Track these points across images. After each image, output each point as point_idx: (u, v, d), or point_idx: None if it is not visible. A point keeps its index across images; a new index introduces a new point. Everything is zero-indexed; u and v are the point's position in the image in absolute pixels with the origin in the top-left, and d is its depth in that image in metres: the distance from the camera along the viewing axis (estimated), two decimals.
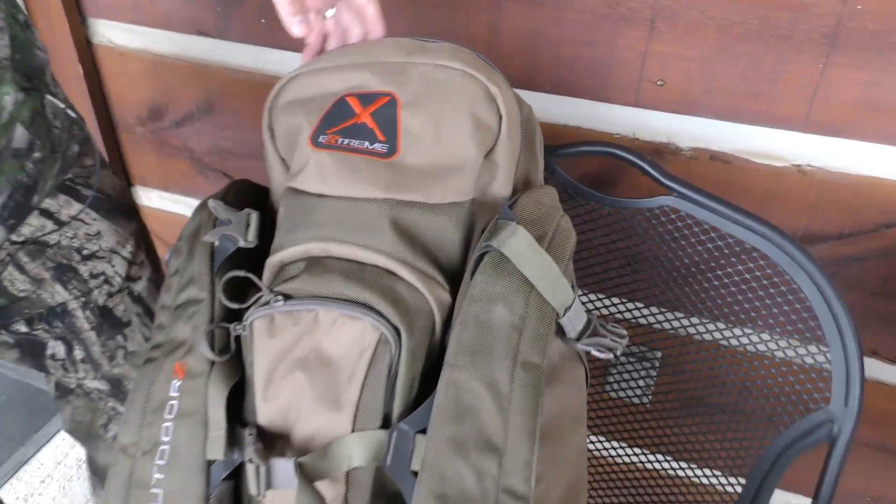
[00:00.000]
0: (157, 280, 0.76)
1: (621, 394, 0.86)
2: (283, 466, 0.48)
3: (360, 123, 0.52)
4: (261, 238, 0.56)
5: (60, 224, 0.64)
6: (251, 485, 0.49)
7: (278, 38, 0.93)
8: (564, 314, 0.49)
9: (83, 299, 0.68)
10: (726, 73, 0.73)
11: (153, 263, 0.76)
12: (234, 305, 0.53)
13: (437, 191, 0.51)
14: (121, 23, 1.03)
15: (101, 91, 1.12)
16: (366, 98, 0.53)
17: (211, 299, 0.55)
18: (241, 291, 0.54)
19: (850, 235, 0.77)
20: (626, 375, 0.85)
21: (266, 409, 0.50)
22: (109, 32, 1.05)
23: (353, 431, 0.49)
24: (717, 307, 0.73)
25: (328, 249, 0.51)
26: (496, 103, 0.53)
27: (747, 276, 0.68)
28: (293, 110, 0.56)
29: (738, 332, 0.73)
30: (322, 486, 0.49)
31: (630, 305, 0.81)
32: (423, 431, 0.47)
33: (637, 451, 0.84)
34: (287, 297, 0.50)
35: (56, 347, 0.71)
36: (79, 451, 1.39)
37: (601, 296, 0.82)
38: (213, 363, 0.52)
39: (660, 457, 0.82)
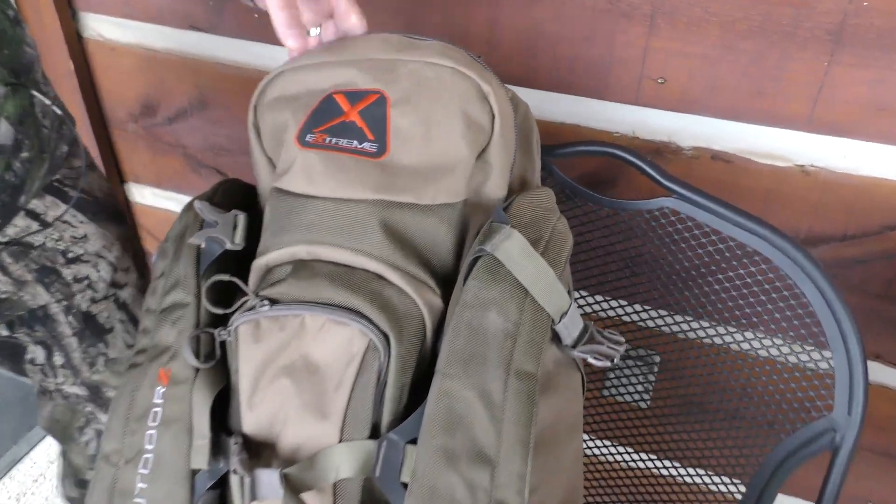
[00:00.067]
0: (144, 286, 0.75)
1: (619, 398, 0.85)
2: (268, 478, 0.47)
3: (348, 122, 0.51)
4: (249, 239, 0.55)
5: (46, 225, 0.63)
6: (235, 497, 0.48)
7: (271, 32, 0.91)
8: (560, 320, 0.47)
9: (65, 303, 0.67)
10: (728, 71, 0.72)
11: (140, 269, 0.75)
12: (219, 310, 0.51)
13: (428, 192, 0.50)
14: (112, 17, 1.02)
15: (92, 86, 1.10)
16: (354, 96, 0.51)
17: (196, 303, 0.53)
18: (228, 295, 0.53)
19: (854, 237, 0.75)
20: (623, 380, 0.84)
21: (251, 418, 0.49)
22: (100, 27, 1.04)
23: (340, 441, 0.47)
24: (717, 311, 0.72)
25: (315, 252, 0.49)
26: (488, 102, 0.52)
27: (749, 279, 0.67)
28: (279, 108, 0.54)
29: (738, 336, 0.72)
30: (309, 497, 0.47)
31: (629, 309, 0.79)
32: (414, 442, 0.46)
33: (636, 454, 0.83)
34: (273, 301, 0.48)
35: (36, 352, 0.69)
36: None
37: (599, 298, 0.81)
38: (197, 370, 0.51)
39: (657, 459, 0.81)
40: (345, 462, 0.47)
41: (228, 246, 0.54)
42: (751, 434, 0.70)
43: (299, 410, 0.47)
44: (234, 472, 0.47)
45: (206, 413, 0.50)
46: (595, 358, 0.49)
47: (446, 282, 0.51)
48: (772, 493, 0.63)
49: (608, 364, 0.49)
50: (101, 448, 0.53)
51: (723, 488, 0.74)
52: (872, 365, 0.81)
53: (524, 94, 0.82)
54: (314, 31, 0.58)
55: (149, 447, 0.51)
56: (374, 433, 0.48)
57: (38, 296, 0.65)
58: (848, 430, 0.58)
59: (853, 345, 0.56)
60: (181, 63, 1.01)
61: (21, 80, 0.57)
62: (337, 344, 0.47)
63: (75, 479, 0.83)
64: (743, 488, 0.66)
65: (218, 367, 0.52)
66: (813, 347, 0.65)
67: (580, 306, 0.83)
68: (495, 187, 0.53)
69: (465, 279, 0.47)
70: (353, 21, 0.56)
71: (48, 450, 1.37)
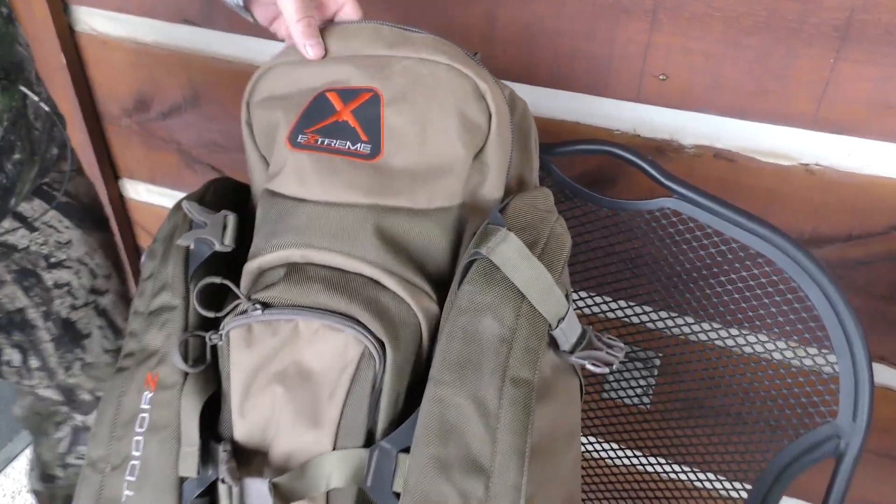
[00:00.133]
0: (125, 293, 0.74)
1: (618, 399, 0.83)
2: (258, 487, 0.46)
3: (340, 122, 0.49)
4: (240, 240, 0.54)
5: (32, 229, 0.62)
6: None
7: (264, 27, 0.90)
8: (557, 326, 0.46)
9: (44, 309, 0.66)
10: (732, 68, 0.70)
11: (121, 276, 0.74)
12: (210, 314, 0.50)
13: (423, 195, 0.48)
14: (104, 10, 1.00)
15: (85, 81, 1.09)
16: (346, 94, 0.50)
17: (185, 306, 0.52)
18: (218, 298, 0.52)
19: (859, 238, 0.74)
20: (623, 383, 0.83)
21: (243, 425, 0.48)
22: (92, 20, 1.02)
23: (333, 450, 0.46)
24: (719, 314, 0.71)
25: (309, 256, 0.48)
26: (485, 100, 0.50)
27: (751, 282, 0.66)
28: (271, 106, 0.53)
29: (741, 340, 0.71)
30: None
31: (629, 311, 0.78)
32: (407, 450, 0.45)
33: (637, 457, 0.82)
34: (265, 305, 0.47)
35: (12, 355, 0.69)
36: None
37: (598, 300, 0.79)
38: (186, 374, 0.50)
39: (658, 464, 0.80)
40: (336, 470, 0.46)
41: (218, 247, 0.52)
42: (753, 439, 0.69)
43: (292, 418, 0.46)
44: (223, 481, 0.46)
45: (195, 419, 0.49)
46: (593, 364, 0.48)
47: (442, 285, 0.50)
48: (775, 498, 0.62)
49: (606, 371, 0.48)
50: (88, 454, 0.52)
51: (724, 493, 0.73)
52: (876, 367, 0.80)
53: (522, 90, 0.80)
54: None
55: (136, 454, 0.50)
56: (369, 442, 0.46)
57: (16, 299, 0.65)
58: (853, 437, 0.56)
59: (859, 350, 0.55)
60: (174, 57, 0.99)
61: (11, 79, 0.56)
62: (331, 350, 0.46)
63: (41, 474, 0.82)
64: (745, 494, 0.65)
65: (208, 371, 0.51)
66: (817, 352, 0.64)
67: (579, 308, 0.82)
68: (492, 188, 0.52)
69: (460, 283, 0.46)
70: (348, 10, 0.55)
71: None
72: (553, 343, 0.47)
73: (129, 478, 0.50)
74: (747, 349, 0.70)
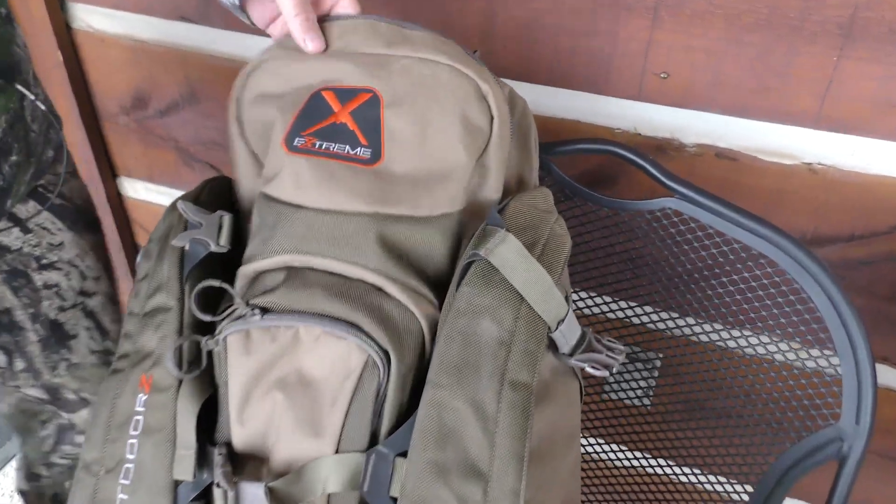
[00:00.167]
0: (113, 295, 0.74)
1: (619, 400, 0.83)
2: (253, 491, 0.45)
3: (339, 124, 0.48)
4: (235, 241, 0.53)
5: (27, 230, 0.62)
6: None
7: None
8: (557, 328, 0.45)
9: (32, 310, 0.65)
10: (734, 66, 0.70)
11: (110, 278, 0.74)
12: (207, 318, 0.49)
13: (425, 202, 0.47)
14: (101, 7, 1.00)
15: (82, 78, 1.08)
16: (344, 94, 0.49)
17: (180, 307, 0.51)
18: (213, 299, 0.51)
19: (862, 237, 0.74)
20: (623, 384, 0.82)
21: (242, 433, 0.47)
22: (90, 17, 1.02)
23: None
24: (720, 315, 0.70)
25: (309, 261, 0.47)
26: (487, 102, 0.49)
27: (753, 283, 0.65)
28: (265, 103, 0.52)
29: (742, 341, 0.70)
30: None
31: (630, 312, 0.78)
32: (404, 454, 0.44)
33: (637, 458, 0.81)
34: (264, 310, 0.46)
35: None
36: None
37: (598, 300, 0.79)
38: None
39: (659, 466, 0.79)
40: (333, 474, 0.45)
41: (213, 248, 0.51)
42: (755, 441, 0.69)
43: (292, 426, 0.45)
44: (218, 485, 0.45)
45: (192, 422, 0.48)
46: (593, 367, 0.47)
47: (441, 288, 0.49)
48: (777, 501, 0.62)
49: (606, 374, 0.47)
50: (82, 456, 0.51)
51: (726, 495, 0.72)
52: (879, 368, 0.79)
53: (522, 88, 0.80)
54: None
55: (130, 457, 0.49)
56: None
57: (4, 299, 0.64)
58: (856, 440, 0.56)
59: (862, 353, 0.55)
60: (171, 54, 0.99)
61: (8, 79, 0.56)
62: (333, 358, 0.45)
63: (27, 472, 0.82)
64: (746, 496, 0.65)
65: (204, 374, 0.50)
66: (819, 353, 0.63)
67: (579, 308, 0.81)
68: (491, 190, 0.51)
69: (458, 285, 0.45)
70: (345, 3, 0.54)
71: None
72: (552, 345, 0.46)
73: (123, 481, 0.49)
74: (749, 350, 0.70)
